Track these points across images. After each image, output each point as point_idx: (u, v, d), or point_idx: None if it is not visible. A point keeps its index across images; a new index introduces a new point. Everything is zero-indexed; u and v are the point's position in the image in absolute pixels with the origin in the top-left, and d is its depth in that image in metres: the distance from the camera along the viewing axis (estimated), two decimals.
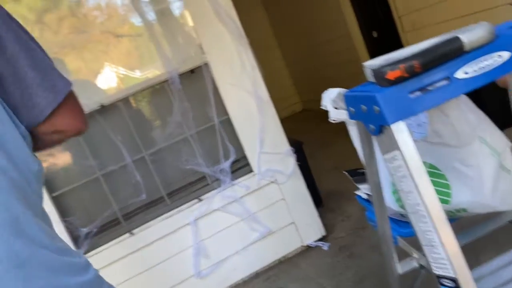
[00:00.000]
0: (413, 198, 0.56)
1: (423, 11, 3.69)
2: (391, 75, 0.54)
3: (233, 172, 2.37)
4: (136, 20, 2.36)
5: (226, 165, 2.35)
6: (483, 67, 0.56)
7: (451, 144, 0.73)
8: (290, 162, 2.43)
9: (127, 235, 2.21)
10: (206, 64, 2.29)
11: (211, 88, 2.33)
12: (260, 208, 2.39)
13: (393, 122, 0.55)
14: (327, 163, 3.79)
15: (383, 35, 4.47)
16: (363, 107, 0.59)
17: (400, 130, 0.55)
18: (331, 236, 2.55)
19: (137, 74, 2.42)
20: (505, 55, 0.57)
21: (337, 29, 4.95)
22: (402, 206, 0.79)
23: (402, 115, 0.55)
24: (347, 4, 4.69)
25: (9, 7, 0.76)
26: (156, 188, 2.30)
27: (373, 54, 4.74)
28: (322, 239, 2.50)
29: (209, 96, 2.33)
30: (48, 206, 2.07)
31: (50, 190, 2.14)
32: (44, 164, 0.71)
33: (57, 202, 2.16)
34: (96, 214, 2.20)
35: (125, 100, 2.26)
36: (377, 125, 0.58)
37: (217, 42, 2.29)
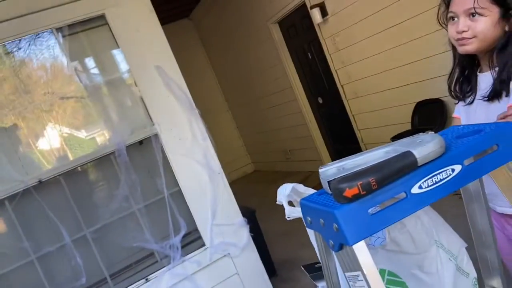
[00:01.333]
0: None
1: (360, 81, 3.96)
2: (349, 192, 0.52)
3: (183, 246, 2.25)
4: (82, 90, 2.29)
5: (176, 240, 2.23)
6: (437, 181, 0.57)
7: (409, 252, 0.73)
8: (243, 234, 2.35)
9: None
10: (156, 135, 2.24)
11: (160, 159, 2.25)
12: (212, 284, 2.26)
13: (355, 242, 0.53)
14: (279, 227, 3.73)
15: (327, 101, 4.70)
16: (321, 221, 0.56)
17: (362, 250, 0.53)
18: None
19: (82, 141, 2.31)
20: (457, 168, 0.58)
21: (285, 94, 5.15)
22: None
23: (363, 235, 0.53)
24: (293, 72, 4.93)
25: None
26: (98, 269, 2.11)
27: (318, 118, 4.94)
28: None
29: (158, 168, 2.25)
30: None
31: None
32: None
33: None
34: None
35: (67, 174, 2.12)
36: (337, 243, 0.55)
37: (167, 113, 2.26)
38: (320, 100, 4.76)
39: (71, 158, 2.17)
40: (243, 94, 6.26)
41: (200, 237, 2.29)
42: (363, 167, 0.56)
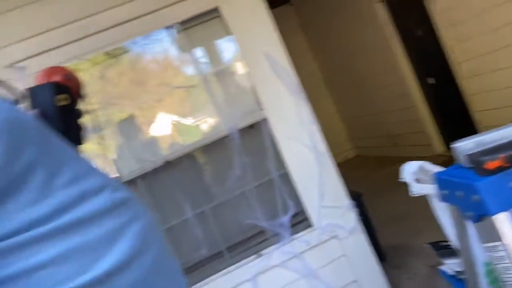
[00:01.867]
0: None
1: (481, 58, 3.60)
2: (491, 165, 0.52)
3: (292, 226, 2.34)
4: (194, 77, 2.49)
5: (285, 219, 2.33)
6: None
7: None
8: (351, 216, 2.36)
9: None
10: (265, 119, 2.34)
11: (269, 142, 2.36)
12: (321, 264, 2.32)
13: (496, 213, 0.53)
14: (386, 213, 3.65)
15: (438, 81, 4.38)
16: (459, 193, 0.57)
17: (503, 221, 0.53)
18: None
19: (198, 127, 2.52)
20: None
21: (390, 76, 4.93)
22: None
23: (504, 206, 0.53)
24: (400, 52, 4.69)
25: (74, 65, 0.85)
26: (215, 242, 2.31)
27: (429, 101, 4.64)
28: None
29: (267, 150, 2.37)
30: None
31: None
32: None
33: None
34: None
35: (187, 156, 2.34)
36: (476, 214, 0.55)
37: (275, 98, 2.35)
38: (430, 81, 4.46)
39: (190, 141, 2.39)
40: (345, 77, 6.14)
41: (307, 218, 2.36)
42: (504, 141, 0.55)
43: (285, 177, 2.36)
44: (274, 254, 2.28)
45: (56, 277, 0.41)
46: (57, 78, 0.81)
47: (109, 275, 0.45)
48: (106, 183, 0.54)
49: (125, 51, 2.41)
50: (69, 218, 0.44)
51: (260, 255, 2.28)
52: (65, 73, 0.84)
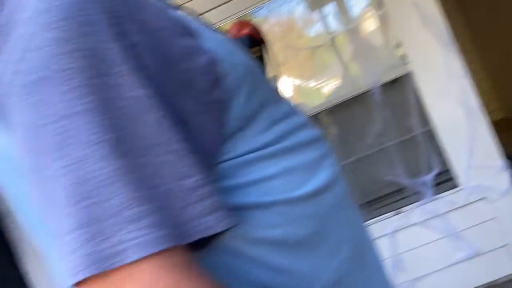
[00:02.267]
0: None
1: None
2: None
3: (435, 185, 2.26)
4: (329, 34, 2.48)
5: (428, 178, 2.26)
6: None
7: None
8: (504, 178, 2.18)
9: None
10: (410, 73, 2.25)
11: (413, 97, 2.28)
12: (466, 226, 2.22)
13: None
14: None
15: None
16: None
17: None
18: None
19: (336, 84, 2.54)
20: None
21: None
22: None
23: None
24: None
25: None
26: (353, 196, 2.37)
27: None
28: None
29: (410, 106, 2.29)
30: None
31: None
32: None
33: None
34: None
35: (327, 111, 2.40)
36: None
37: (423, 50, 2.22)
38: None
39: (327, 97, 2.44)
40: (495, 26, 5.40)
41: (453, 178, 2.25)
42: None
43: (430, 134, 2.27)
44: (414, 212, 2.25)
45: (281, 187, 0.52)
46: (246, 31, 0.92)
47: (315, 193, 0.55)
48: (307, 121, 0.64)
49: (253, 17, 2.51)
50: (286, 144, 0.55)
51: (399, 212, 2.27)
52: (252, 27, 0.94)
